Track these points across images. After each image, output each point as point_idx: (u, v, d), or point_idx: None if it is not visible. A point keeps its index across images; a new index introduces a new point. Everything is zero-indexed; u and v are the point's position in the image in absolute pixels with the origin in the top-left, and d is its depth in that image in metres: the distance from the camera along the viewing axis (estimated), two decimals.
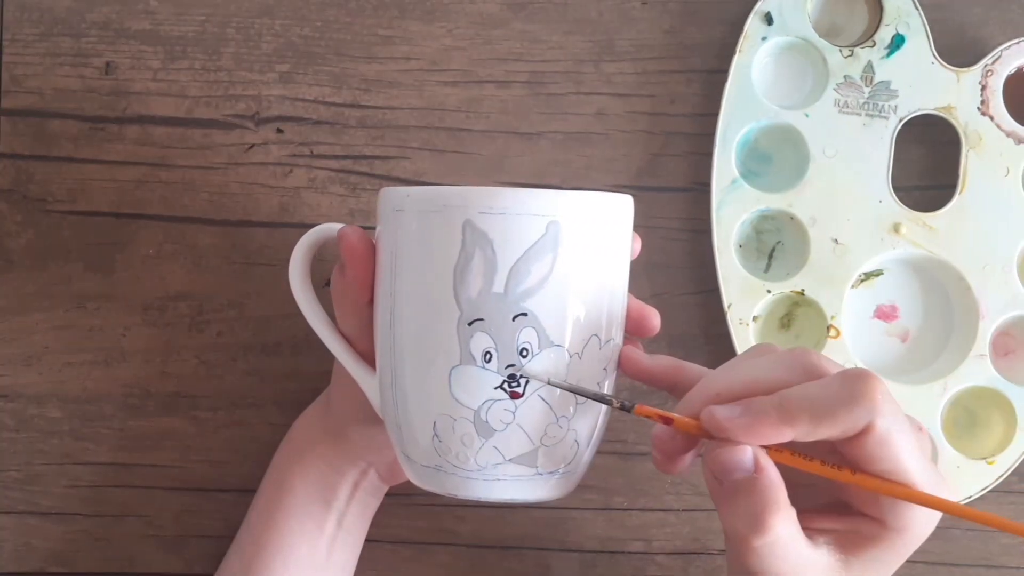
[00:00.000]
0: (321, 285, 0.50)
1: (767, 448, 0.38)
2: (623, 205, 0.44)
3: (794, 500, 0.38)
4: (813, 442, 0.38)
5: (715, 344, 0.58)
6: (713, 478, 0.38)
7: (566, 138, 0.59)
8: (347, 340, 0.48)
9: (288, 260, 0.57)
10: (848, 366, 0.54)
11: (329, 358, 0.52)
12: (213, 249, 0.58)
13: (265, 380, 0.58)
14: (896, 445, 0.37)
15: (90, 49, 0.58)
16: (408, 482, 0.54)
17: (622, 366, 0.44)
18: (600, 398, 0.42)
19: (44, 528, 0.58)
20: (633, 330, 0.46)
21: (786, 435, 0.37)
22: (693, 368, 0.43)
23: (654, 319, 0.47)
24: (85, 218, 0.58)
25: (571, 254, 0.41)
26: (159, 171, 0.58)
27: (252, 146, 0.58)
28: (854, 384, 0.37)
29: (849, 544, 0.39)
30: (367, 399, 0.47)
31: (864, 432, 0.36)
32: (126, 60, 0.58)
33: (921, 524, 0.39)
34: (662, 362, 0.44)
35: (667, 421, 0.40)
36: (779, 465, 0.38)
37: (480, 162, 0.58)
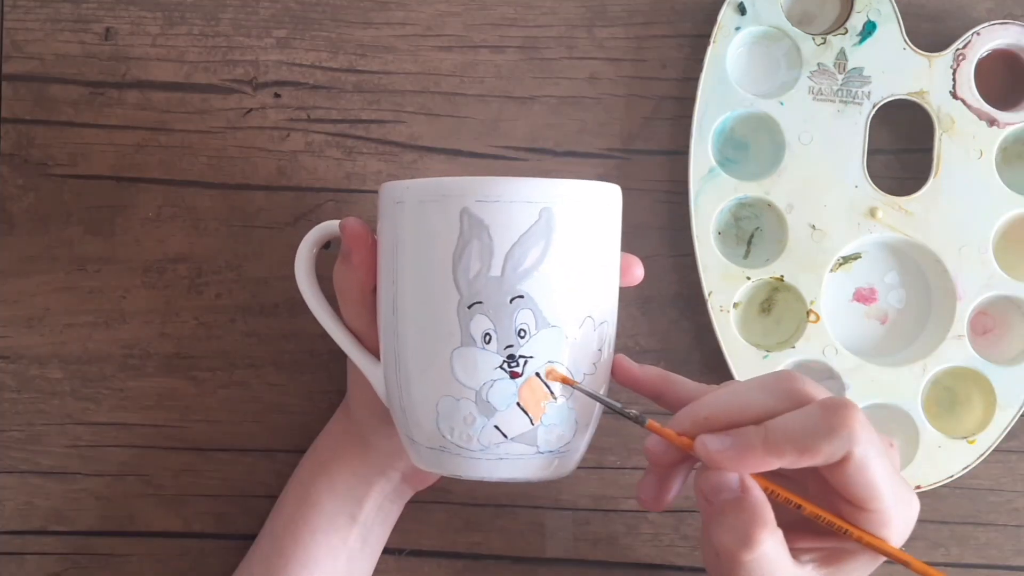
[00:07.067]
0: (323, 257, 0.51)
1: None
2: (611, 193, 0.46)
3: (779, 516, 0.40)
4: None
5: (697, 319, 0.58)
6: (703, 498, 0.41)
7: (559, 102, 0.59)
8: (353, 334, 0.50)
9: (286, 223, 0.59)
10: (829, 350, 0.56)
11: None
12: (212, 212, 0.59)
13: (263, 341, 0.59)
14: (871, 470, 0.39)
15: (90, 15, 0.59)
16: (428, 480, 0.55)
17: (614, 374, 0.47)
18: (621, 412, 0.44)
19: (45, 487, 0.58)
20: (621, 281, 0.48)
21: (773, 465, 0.39)
22: (679, 380, 0.46)
23: (637, 268, 0.49)
24: (85, 182, 0.59)
25: (564, 238, 0.43)
26: (158, 135, 0.59)
27: (250, 110, 0.59)
28: (833, 415, 0.39)
29: (831, 559, 0.42)
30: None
31: (843, 460, 0.39)
32: (125, 26, 0.59)
33: (896, 538, 0.41)
34: (650, 372, 0.46)
35: (682, 442, 0.42)
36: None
37: (475, 126, 0.59)
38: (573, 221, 0.43)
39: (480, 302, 0.43)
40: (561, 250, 0.43)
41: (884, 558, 0.42)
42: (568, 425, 0.45)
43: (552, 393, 0.44)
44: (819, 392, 0.41)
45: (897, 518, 0.40)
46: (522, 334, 0.43)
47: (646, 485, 0.45)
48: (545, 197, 0.43)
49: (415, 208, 0.44)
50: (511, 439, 0.44)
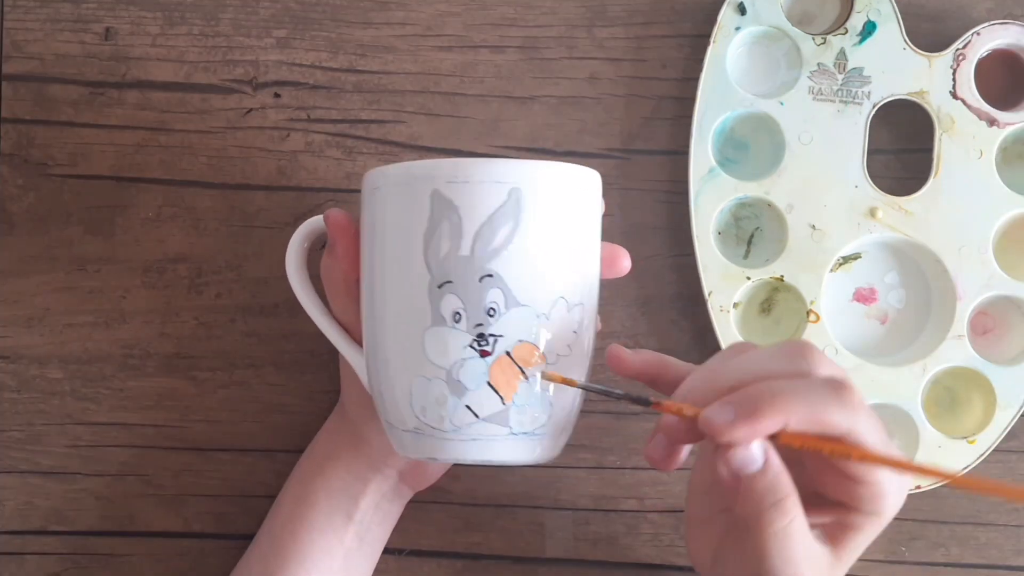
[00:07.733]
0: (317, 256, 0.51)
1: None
2: (584, 176, 0.46)
3: None
4: None
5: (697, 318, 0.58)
6: (728, 475, 0.40)
7: (559, 102, 0.59)
8: (342, 327, 0.50)
9: (286, 223, 0.59)
10: (829, 350, 0.57)
11: None
12: (212, 212, 0.59)
13: (263, 341, 0.59)
14: (868, 443, 0.39)
15: (90, 15, 0.59)
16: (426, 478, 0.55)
17: (608, 364, 0.46)
18: (629, 398, 0.43)
19: (45, 487, 0.58)
20: (605, 272, 0.48)
21: (779, 422, 0.39)
22: (673, 362, 0.45)
23: (623, 259, 0.49)
24: (85, 182, 0.59)
25: (533, 219, 0.43)
26: (158, 135, 0.59)
27: (250, 110, 0.59)
28: (841, 389, 0.39)
29: (834, 535, 0.42)
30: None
31: (845, 435, 0.39)
32: (125, 26, 0.59)
33: (892, 507, 0.41)
34: (645, 356, 0.46)
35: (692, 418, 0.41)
36: None
37: (475, 126, 0.59)
38: (542, 202, 0.44)
39: (450, 281, 0.43)
40: (530, 230, 0.43)
41: (878, 531, 0.42)
42: (542, 406, 0.44)
43: (523, 372, 0.44)
44: (829, 365, 0.41)
45: (893, 489, 0.40)
46: (492, 313, 0.43)
47: (656, 445, 0.44)
48: (514, 178, 0.43)
49: (389, 193, 0.45)
50: (483, 419, 0.44)
